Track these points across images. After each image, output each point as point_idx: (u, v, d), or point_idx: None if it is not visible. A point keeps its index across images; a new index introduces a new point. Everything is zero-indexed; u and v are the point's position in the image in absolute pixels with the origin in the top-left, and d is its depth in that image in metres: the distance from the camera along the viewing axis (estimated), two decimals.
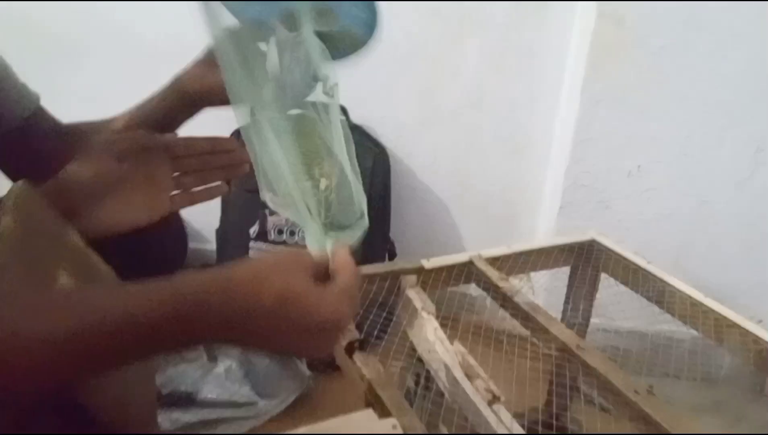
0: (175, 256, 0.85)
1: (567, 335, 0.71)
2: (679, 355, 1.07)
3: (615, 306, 1.06)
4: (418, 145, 1.41)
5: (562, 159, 1.28)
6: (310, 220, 0.54)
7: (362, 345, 0.68)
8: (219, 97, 0.67)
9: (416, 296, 0.80)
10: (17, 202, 0.49)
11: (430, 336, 0.73)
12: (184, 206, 0.66)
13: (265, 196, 0.55)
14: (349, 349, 0.67)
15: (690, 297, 0.83)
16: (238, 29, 0.58)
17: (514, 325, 0.96)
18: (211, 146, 0.65)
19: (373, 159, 1.30)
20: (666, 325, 1.17)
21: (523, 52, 1.31)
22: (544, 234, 1.37)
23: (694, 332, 0.88)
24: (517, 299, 0.78)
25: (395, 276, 0.85)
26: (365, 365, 0.64)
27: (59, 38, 1.42)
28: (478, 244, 1.47)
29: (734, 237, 1.27)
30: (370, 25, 0.67)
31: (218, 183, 0.69)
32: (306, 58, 0.60)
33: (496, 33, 1.30)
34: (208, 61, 0.68)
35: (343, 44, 0.67)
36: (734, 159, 1.22)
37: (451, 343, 0.74)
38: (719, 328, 0.78)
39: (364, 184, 1.29)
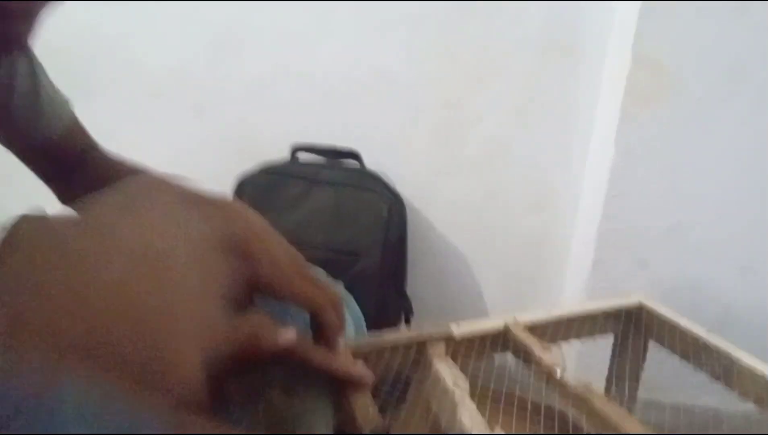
0: None
1: (634, 426, 0.59)
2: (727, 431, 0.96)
3: (660, 377, 0.94)
4: (437, 195, 1.32)
5: (593, 214, 1.18)
6: None
7: None
8: None
9: (447, 370, 0.69)
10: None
11: (466, 421, 0.62)
12: None
13: None
14: None
15: (764, 377, 0.71)
16: None
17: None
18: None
19: (389, 208, 1.20)
20: (708, 396, 1.05)
21: (549, 98, 1.23)
22: (572, 295, 1.26)
23: (743, 406, 0.76)
24: (566, 377, 0.67)
25: (420, 344, 0.73)
26: None
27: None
28: (500, 303, 1.38)
29: None
30: None
31: None
32: None
33: (520, 78, 1.23)
34: None
35: None
36: None
37: (491, 427, 0.62)
38: None
39: (379, 233, 1.19)
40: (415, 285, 1.31)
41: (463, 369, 0.71)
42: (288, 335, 0.49)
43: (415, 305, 1.28)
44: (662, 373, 0.93)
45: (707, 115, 1.09)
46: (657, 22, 1.07)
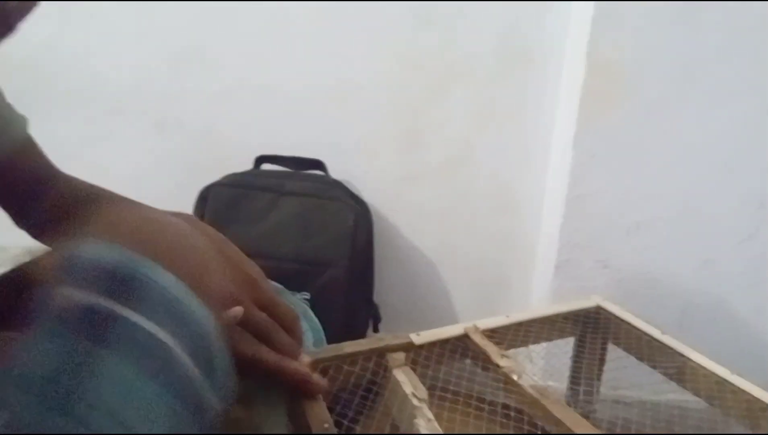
0: None
1: (584, 427, 0.61)
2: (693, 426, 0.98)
3: (621, 372, 0.96)
4: (402, 201, 1.33)
5: (556, 216, 1.20)
6: None
7: None
8: None
9: (405, 379, 0.70)
10: None
11: (424, 429, 0.63)
12: None
13: None
14: None
15: (714, 374, 0.73)
16: None
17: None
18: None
19: (355, 216, 1.21)
20: (673, 394, 1.07)
21: (510, 103, 1.25)
22: (539, 295, 1.28)
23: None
24: (521, 381, 0.68)
25: (380, 354, 0.74)
26: None
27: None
28: (469, 307, 1.40)
29: (740, 297, 1.19)
30: None
31: None
32: None
33: (481, 84, 1.25)
34: None
35: None
36: (737, 215, 1.15)
37: (450, 429, 0.63)
38: (752, 411, 0.68)
39: (345, 241, 1.19)
40: (383, 292, 1.32)
41: (423, 376, 0.73)
42: (235, 311, 0.50)
43: (384, 312, 1.29)
44: (629, 369, 0.95)
45: (662, 116, 1.12)
46: (610, 27, 1.09)
